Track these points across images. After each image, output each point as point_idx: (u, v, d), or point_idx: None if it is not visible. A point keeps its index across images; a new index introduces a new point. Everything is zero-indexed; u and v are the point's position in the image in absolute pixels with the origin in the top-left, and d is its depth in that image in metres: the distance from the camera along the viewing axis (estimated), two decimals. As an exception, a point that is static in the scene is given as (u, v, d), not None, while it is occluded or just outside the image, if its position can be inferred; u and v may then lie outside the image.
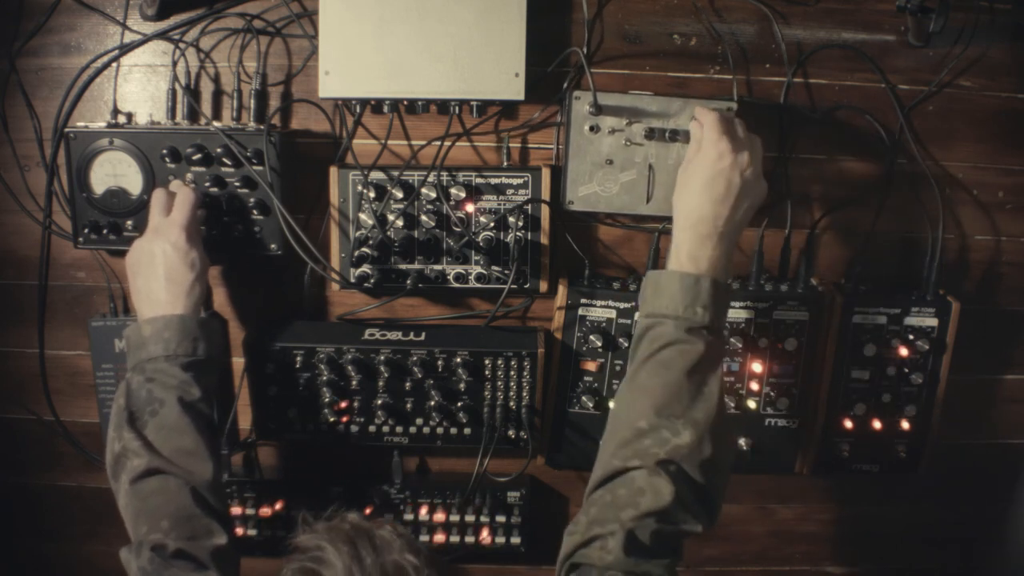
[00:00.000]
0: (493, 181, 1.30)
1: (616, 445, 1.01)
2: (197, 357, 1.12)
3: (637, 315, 1.09)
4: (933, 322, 1.32)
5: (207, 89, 1.31)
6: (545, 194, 1.29)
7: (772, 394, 1.34)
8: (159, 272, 1.13)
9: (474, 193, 1.30)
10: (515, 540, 1.42)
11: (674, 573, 0.95)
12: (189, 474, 1.05)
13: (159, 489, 1.04)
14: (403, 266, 1.32)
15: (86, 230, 1.27)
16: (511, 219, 1.29)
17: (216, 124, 1.27)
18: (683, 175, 1.13)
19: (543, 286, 1.33)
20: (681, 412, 0.99)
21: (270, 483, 1.41)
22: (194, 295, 1.15)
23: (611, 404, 1.07)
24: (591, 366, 1.34)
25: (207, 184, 1.26)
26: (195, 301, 1.15)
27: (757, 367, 1.33)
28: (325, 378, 1.30)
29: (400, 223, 1.30)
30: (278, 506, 1.40)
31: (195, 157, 1.23)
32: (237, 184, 1.26)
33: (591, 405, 1.34)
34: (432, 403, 1.32)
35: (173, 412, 1.08)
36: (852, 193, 1.36)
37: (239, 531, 1.40)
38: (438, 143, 1.28)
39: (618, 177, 1.28)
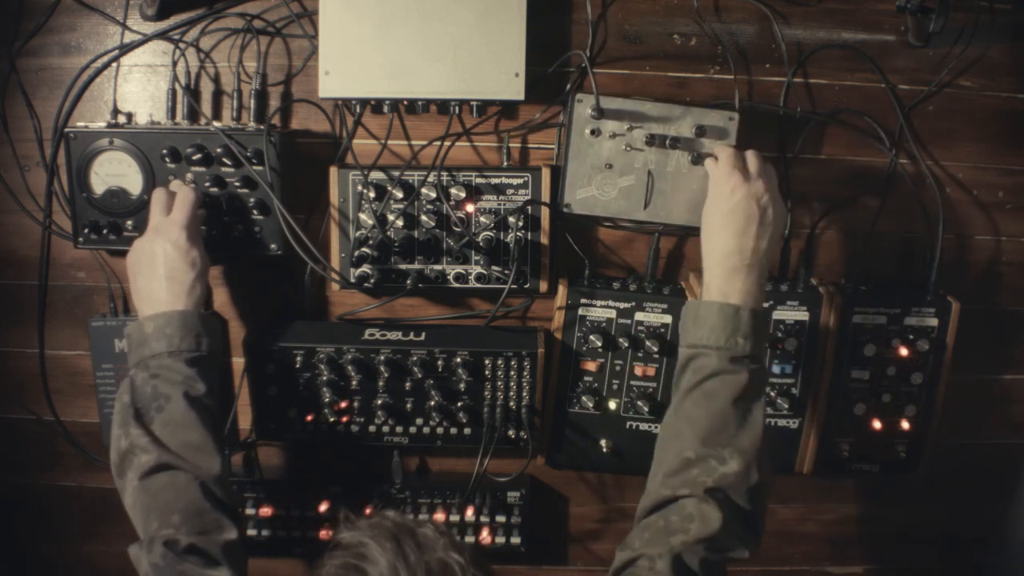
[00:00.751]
0: (493, 181, 1.30)
1: (664, 475, 1.03)
2: (201, 352, 1.12)
3: (679, 346, 1.13)
4: (933, 322, 1.32)
5: (207, 89, 1.31)
6: (545, 194, 1.29)
7: (772, 394, 1.34)
8: (160, 272, 1.13)
9: (474, 193, 1.30)
10: (515, 540, 1.42)
11: None
12: (198, 468, 1.05)
13: (169, 484, 1.04)
14: (403, 266, 1.32)
15: (86, 230, 1.27)
16: (511, 219, 1.29)
17: (216, 124, 1.27)
18: (705, 216, 1.16)
19: (543, 286, 1.33)
20: (727, 441, 1.02)
21: (270, 483, 1.41)
22: (195, 294, 1.15)
23: (657, 431, 1.11)
24: (591, 366, 1.34)
25: (207, 184, 1.26)
26: (196, 300, 1.15)
27: (757, 367, 1.33)
28: (325, 378, 1.30)
29: (400, 223, 1.30)
30: (278, 506, 1.40)
31: (195, 157, 1.23)
32: (237, 184, 1.26)
33: (591, 405, 1.34)
34: (432, 403, 1.32)
35: (179, 407, 1.08)
36: (852, 193, 1.36)
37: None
38: (438, 143, 1.28)
39: (617, 182, 1.28)
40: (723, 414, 1.02)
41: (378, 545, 0.83)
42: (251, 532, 1.40)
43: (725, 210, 1.11)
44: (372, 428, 1.34)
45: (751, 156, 1.17)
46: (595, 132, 1.26)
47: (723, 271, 1.09)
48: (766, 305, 1.24)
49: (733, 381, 1.04)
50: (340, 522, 0.92)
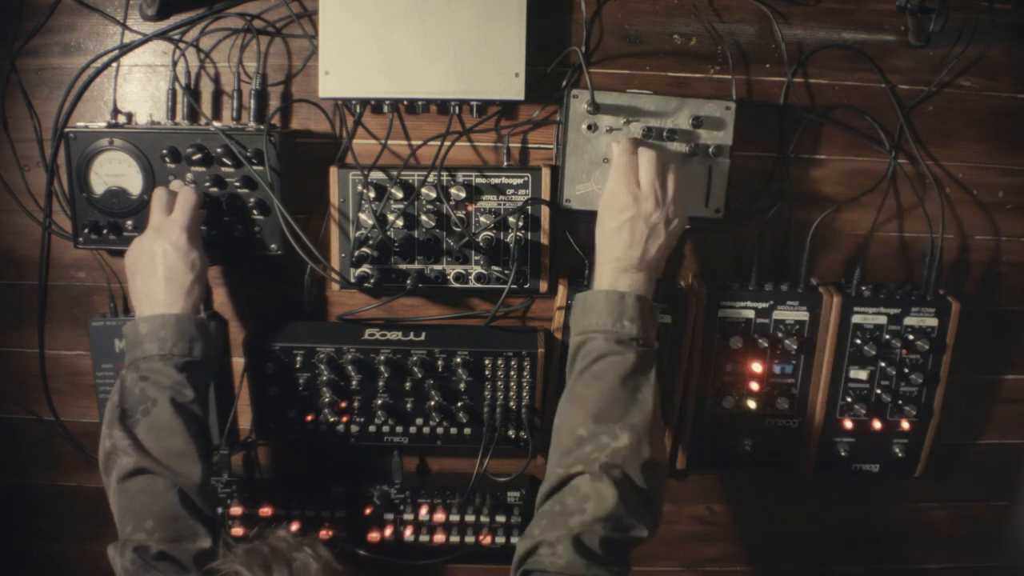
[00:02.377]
0: (493, 181, 1.30)
1: (559, 455, 1.04)
2: (192, 358, 1.12)
3: (570, 337, 1.15)
4: (933, 322, 1.32)
5: (207, 89, 1.31)
6: (545, 194, 1.29)
7: (772, 394, 1.34)
8: (159, 272, 1.13)
9: (474, 193, 1.30)
10: (515, 540, 1.42)
11: None
12: (177, 475, 1.05)
13: (145, 489, 1.04)
14: (403, 266, 1.32)
15: (86, 230, 1.27)
16: (511, 219, 1.29)
17: (216, 124, 1.27)
18: (599, 212, 1.18)
19: (543, 286, 1.33)
20: (618, 417, 1.03)
21: (270, 483, 1.41)
22: (193, 296, 1.15)
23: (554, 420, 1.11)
24: (591, 366, 1.34)
25: (207, 184, 1.26)
26: (194, 302, 1.15)
27: (757, 367, 1.33)
28: (325, 378, 1.30)
29: (400, 223, 1.30)
30: (278, 506, 1.40)
31: (195, 157, 1.23)
32: (237, 184, 1.26)
33: (591, 405, 1.33)
34: (432, 403, 1.32)
35: (165, 412, 1.07)
36: (852, 193, 1.36)
37: (239, 531, 1.39)
38: (438, 143, 1.28)
39: (617, 177, 1.28)
40: (612, 392, 1.04)
41: (250, 573, 0.85)
42: (251, 532, 1.40)
43: (615, 224, 1.13)
44: (372, 428, 1.34)
45: (644, 166, 1.15)
46: (592, 127, 1.26)
47: (612, 269, 1.13)
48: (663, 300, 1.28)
49: (620, 362, 1.06)
50: (219, 548, 0.94)
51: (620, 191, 1.14)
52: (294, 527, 1.39)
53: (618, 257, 1.13)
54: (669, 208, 1.14)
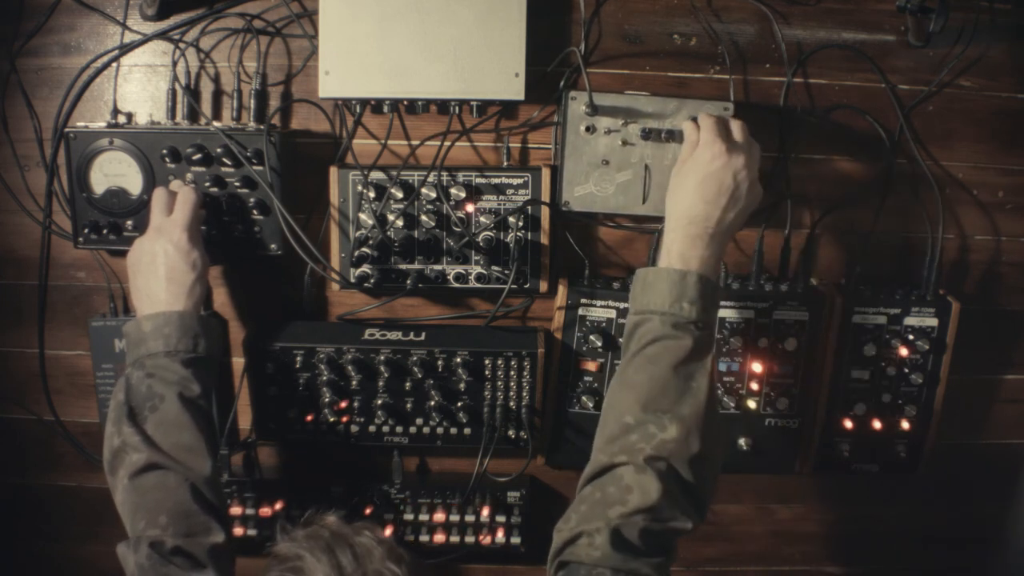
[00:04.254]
0: (493, 181, 1.29)
1: (604, 441, 1.01)
2: (198, 354, 1.12)
3: (629, 314, 1.10)
4: (933, 322, 1.32)
5: (207, 89, 1.31)
6: (545, 194, 1.29)
7: (772, 394, 1.34)
8: (160, 272, 1.14)
9: (474, 193, 1.30)
10: (515, 540, 1.42)
11: (666, 573, 0.94)
12: (188, 470, 1.05)
13: (158, 484, 1.04)
14: (403, 266, 1.32)
15: (86, 230, 1.27)
16: (511, 219, 1.29)
17: (216, 124, 1.27)
18: (677, 176, 1.13)
19: (543, 286, 1.33)
20: (668, 407, 0.98)
21: (270, 483, 1.41)
22: (195, 295, 1.15)
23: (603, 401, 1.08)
24: (591, 366, 1.34)
25: (207, 184, 1.26)
26: (195, 301, 1.15)
27: (757, 367, 1.33)
28: (325, 378, 1.30)
29: (400, 223, 1.30)
30: (278, 506, 1.40)
31: (195, 157, 1.23)
32: (237, 184, 1.26)
33: (591, 405, 1.34)
34: (432, 403, 1.32)
35: (173, 408, 1.08)
36: (852, 193, 1.36)
37: (239, 531, 1.40)
38: (438, 143, 1.28)
39: (614, 178, 1.28)
40: (664, 379, 0.99)
41: (313, 557, 0.83)
42: (251, 532, 1.40)
43: (700, 176, 1.08)
44: (372, 428, 1.34)
45: (737, 126, 1.13)
46: (590, 129, 1.26)
47: (685, 235, 1.07)
48: (723, 279, 1.27)
49: (676, 347, 1.01)
50: (277, 532, 0.92)
51: (712, 141, 1.09)
52: (367, 511, 1.39)
53: (694, 218, 1.06)
54: (754, 172, 1.10)
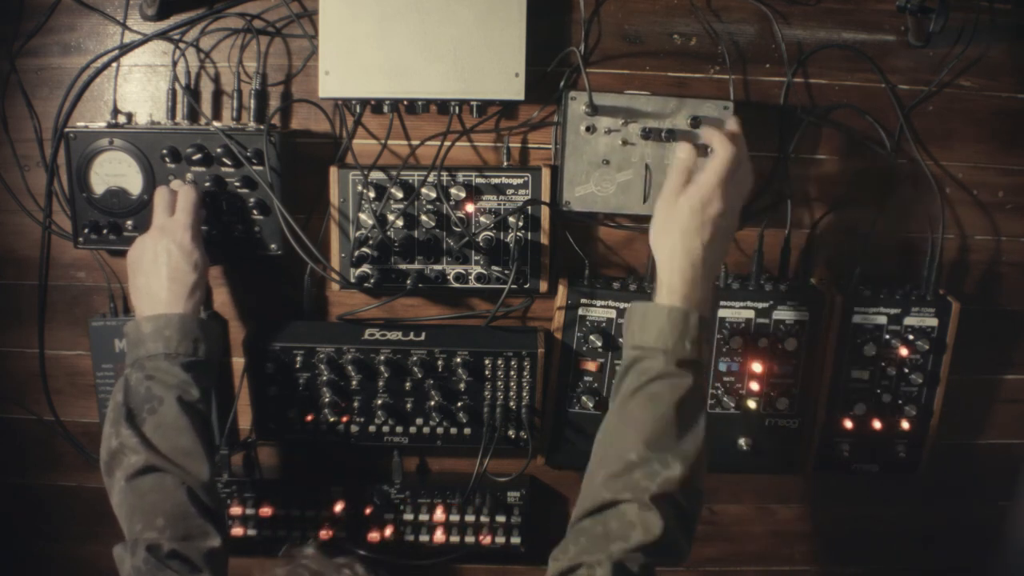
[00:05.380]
0: (493, 181, 1.29)
1: (605, 476, 1.00)
2: (197, 358, 1.12)
3: (624, 348, 1.08)
4: (933, 322, 1.31)
5: (207, 89, 1.31)
6: (545, 194, 1.29)
7: (772, 394, 1.34)
8: (162, 272, 1.13)
9: (474, 193, 1.30)
10: (515, 540, 1.42)
11: None
12: (186, 473, 1.05)
13: (155, 487, 1.04)
14: (403, 266, 1.32)
15: (86, 230, 1.27)
16: (511, 219, 1.29)
17: (216, 124, 1.27)
18: (671, 210, 1.07)
19: (543, 286, 1.33)
20: (672, 445, 0.99)
21: (270, 483, 1.41)
22: (195, 296, 1.15)
23: (598, 434, 1.07)
24: (591, 366, 1.34)
25: (207, 184, 1.26)
26: (196, 302, 1.15)
27: (757, 367, 1.33)
28: (325, 378, 1.30)
29: (400, 223, 1.30)
30: (278, 506, 1.40)
31: (195, 157, 1.23)
32: (237, 184, 1.26)
33: (591, 405, 1.34)
34: (432, 403, 1.32)
35: (172, 411, 1.07)
36: (852, 193, 1.36)
37: (239, 531, 1.40)
38: (438, 143, 1.28)
39: (615, 177, 1.28)
40: (667, 418, 1.00)
41: None
42: (251, 532, 1.40)
43: (698, 221, 1.04)
44: (372, 428, 1.34)
45: (738, 142, 1.08)
46: (590, 129, 1.26)
47: (685, 276, 1.04)
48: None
49: (679, 385, 1.01)
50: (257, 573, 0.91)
51: (715, 185, 1.05)
52: (322, 534, 1.39)
53: (695, 260, 1.04)
54: (736, 211, 1.08)
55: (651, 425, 1.00)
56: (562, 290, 1.31)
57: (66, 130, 1.25)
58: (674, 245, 1.06)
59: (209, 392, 1.14)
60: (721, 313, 1.30)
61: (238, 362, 1.37)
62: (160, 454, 1.05)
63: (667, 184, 1.09)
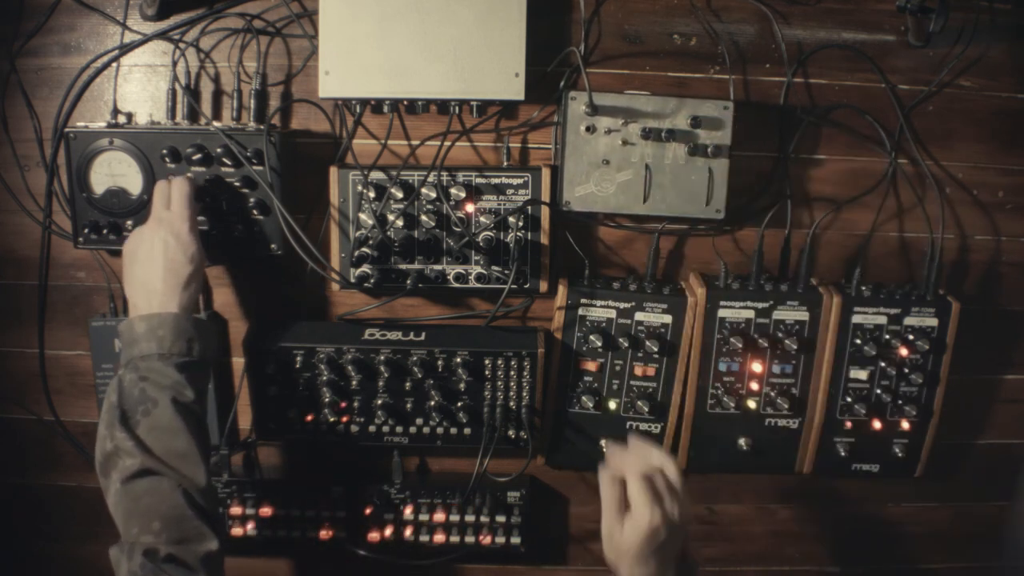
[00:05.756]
0: (493, 181, 1.29)
1: None
2: (192, 358, 1.11)
3: None
4: (933, 322, 1.31)
5: (207, 89, 1.31)
6: (545, 194, 1.29)
7: (772, 394, 1.34)
8: (159, 262, 1.13)
9: (474, 193, 1.30)
10: (515, 540, 1.42)
11: None
12: (182, 476, 1.04)
13: (151, 490, 1.03)
14: (403, 266, 1.32)
15: (86, 230, 1.27)
16: (511, 219, 1.29)
17: (216, 124, 1.27)
18: (622, 545, 0.98)
19: (543, 286, 1.33)
20: None
21: (270, 483, 1.41)
22: (190, 290, 1.14)
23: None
24: (591, 366, 1.34)
25: (206, 181, 1.25)
26: (190, 297, 1.14)
27: (757, 367, 1.33)
28: (325, 378, 1.30)
29: (400, 223, 1.30)
30: (278, 506, 1.40)
31: (195, 157, 1.23)
32: (237, 184, 1.26)
33: (591, 405, 1.34)
34: (432, 403, 1.32)
35: (166, 413, 1.06)
36: (852, 193, 1.36)
37: (239, 531, 1.40)
38: (438, 143, 1.28)
39: (615, 177, 1.28)
40: None
41: None
42: (251, 532, 1.40)
43: (644, 553, 0.96)
44: (372, 428, 1.34)
45: (674, 478, 1.01)
46: (590, 129, 1.26)
47: None
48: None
49: None
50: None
51: (648, 518, 0.96)
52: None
53: None
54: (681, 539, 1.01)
55: None
56: (562, 290, 1.31)
57: (66, 130, 1.25)
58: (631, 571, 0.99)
59: (204, 393, 1.13)
60: (721, 313, 1.30)
61: (238, 362, 1.38)
62: (155, 457, 1.04)
63: (604, 516, 1.01)
